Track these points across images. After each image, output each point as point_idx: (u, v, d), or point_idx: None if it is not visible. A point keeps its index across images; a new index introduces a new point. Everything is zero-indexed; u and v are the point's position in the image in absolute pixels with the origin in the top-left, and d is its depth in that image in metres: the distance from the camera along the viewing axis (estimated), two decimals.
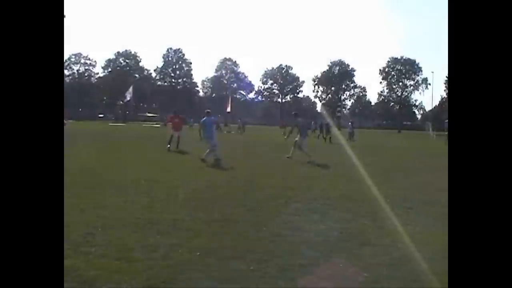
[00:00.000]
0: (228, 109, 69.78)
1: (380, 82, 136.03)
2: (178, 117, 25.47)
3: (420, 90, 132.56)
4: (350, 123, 51.96)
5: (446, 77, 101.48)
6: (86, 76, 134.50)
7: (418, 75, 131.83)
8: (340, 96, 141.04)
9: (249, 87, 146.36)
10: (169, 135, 24.06)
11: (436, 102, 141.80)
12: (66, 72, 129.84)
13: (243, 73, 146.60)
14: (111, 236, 6.60)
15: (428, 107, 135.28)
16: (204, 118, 18.96)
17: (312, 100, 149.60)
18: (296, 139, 20.40)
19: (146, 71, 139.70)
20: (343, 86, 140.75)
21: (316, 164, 18.38)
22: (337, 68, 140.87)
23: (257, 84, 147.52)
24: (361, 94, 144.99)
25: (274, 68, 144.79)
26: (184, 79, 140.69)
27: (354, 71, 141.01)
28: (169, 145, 23.25)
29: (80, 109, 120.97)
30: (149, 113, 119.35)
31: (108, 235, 6.65)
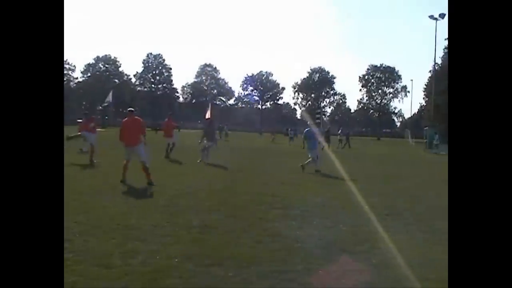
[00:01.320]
0: (208, 116, 69.51)
1: (360, 90, 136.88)
2: (171, 122, 25.20)
3: (399, 98, 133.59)
4: (340, 130, 52.04)
5: (425, 84, 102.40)
6: (65, 80, 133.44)
7: (397, 83, 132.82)
8: (320, 103, 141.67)
9: (230, 93, 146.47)
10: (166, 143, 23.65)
11: (415, 109, 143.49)
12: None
13: (223, 79, 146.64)
14: (89, 242, 6.57)
15: (407, 115, 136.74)
16: (307, 129, 19.02)
17: (292, 107, 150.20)
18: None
19: (126, 76, 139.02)
20: (323, 93, 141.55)
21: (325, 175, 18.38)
22: (317, 75, 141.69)
23: (237, 90, 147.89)
24: (340, 101, 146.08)
25: (255, 74, 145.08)
26: (164, 85, 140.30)
27: (334, 78, 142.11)
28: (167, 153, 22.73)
29: None
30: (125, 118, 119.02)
31: (86, 241, 6.61)
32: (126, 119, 13.79)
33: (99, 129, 27.02)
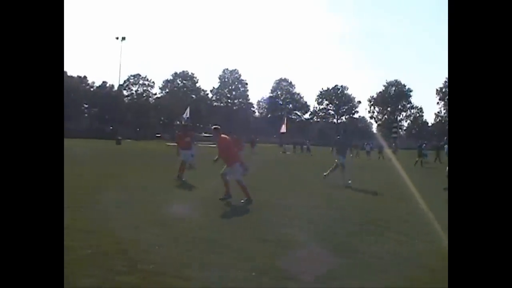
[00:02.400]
0: (283, 130, 69.69)
1: (437, 103, 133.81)
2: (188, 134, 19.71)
3: None
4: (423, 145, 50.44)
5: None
6: (144, 96, 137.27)
7: None
8: (396, 117, 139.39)
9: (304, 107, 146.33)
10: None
11: None
12: (125, 92, 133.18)
13: (298, 93, 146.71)
14: (167, 254, 6.69)
15: None
16: None
17: (368, 121, 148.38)
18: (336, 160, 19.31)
19: (203, 92, 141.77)
20: (400, 106, 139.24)
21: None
22: (393, 88, 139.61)
23: (312, 104, 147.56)
24: (417, 114, 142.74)
25: (330, 88, 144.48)
26: (240, 100, 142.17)
27: (410, 91, 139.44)
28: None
29: (138, 129, 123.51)
30: (205, 133, 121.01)
31: (164, 253, 6.74)
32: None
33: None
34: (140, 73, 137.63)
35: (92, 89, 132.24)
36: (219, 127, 13.16)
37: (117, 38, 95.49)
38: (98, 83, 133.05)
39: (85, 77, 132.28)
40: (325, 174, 18.94)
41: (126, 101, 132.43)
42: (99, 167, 23.58)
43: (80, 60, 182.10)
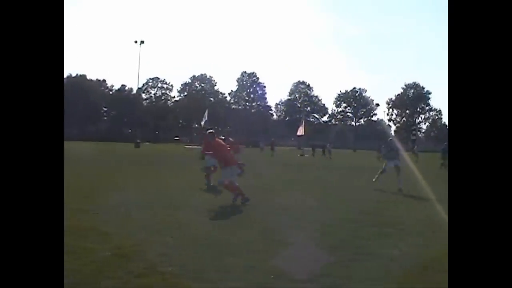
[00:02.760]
0: (301, 133, 69.43)
1: None
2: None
3: None
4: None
5: None
6: (163, 99, 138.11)
7: None
8: (415, 119, 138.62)
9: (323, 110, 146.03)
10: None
11: None
12: (144, 95, 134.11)
13: (316, 96, 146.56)
14: (185, 257, 6.71)
15: None
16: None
17: (387, 124, 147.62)
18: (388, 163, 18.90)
19: (221, 95, 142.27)
20: (418, 109, 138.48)
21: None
22: (412, 90, 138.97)
23: (330, 107, 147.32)
24: (436, 117, 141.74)
25: (348, 91, 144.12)
26: (258, 103, 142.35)
27: (429, 93, 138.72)
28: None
29: (157, 132, 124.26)
30: (223, 136, 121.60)
31: (182, 256, 6.76)
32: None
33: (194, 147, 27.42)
34: (159, 76, 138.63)
35: (111, 93, 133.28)
36: (213, 131, 13.90)
37: (136, 42, 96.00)
38: (117, 86, 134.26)
39: (104, 80, 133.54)
40: (373, 179, 18.67)
41: (145, 104, 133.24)
42: (118, 169, 23.74)
43: (100, 64, 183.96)
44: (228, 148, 13.69)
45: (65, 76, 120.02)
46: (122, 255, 6.53)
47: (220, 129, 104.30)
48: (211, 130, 13.99)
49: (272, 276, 5.90)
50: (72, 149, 33.07)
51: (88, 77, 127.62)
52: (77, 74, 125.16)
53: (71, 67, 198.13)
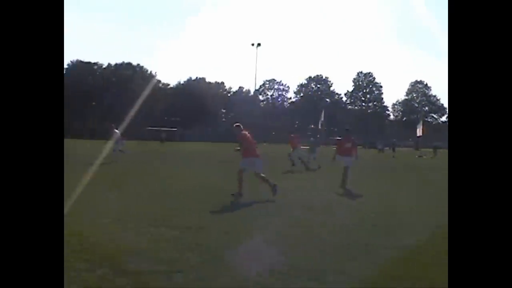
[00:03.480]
0: (420, 133, 67.44)
1: None
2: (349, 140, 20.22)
3: None
4: None
5: None
6: (279, 100, 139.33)
7: None
8: None
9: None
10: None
11: None
12: (260, 97, 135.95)
13: (434, 95, 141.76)
14: (301, 259, 6.66)
15: None
16: None
17: None
18: None
19: (337, 95, 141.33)
20: None
21: None
22: None
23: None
24: None
25: None
26: (375, 103, 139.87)
27: None
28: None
29: (274, 132, 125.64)
30: (339, 137, 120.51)
31: (299, 257, 6.71)
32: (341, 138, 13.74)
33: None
34: (275, 78, 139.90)
35: (229, 95, 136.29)
36: (240, 124, 14.57)
37: (253, 44, 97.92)
38: (234, 88, 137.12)
39: (222, 83, 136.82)
40: None
41: (262, 105, 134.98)
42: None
43: (218, 67, 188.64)
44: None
45: (185, 79, 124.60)
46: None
47: (336, 130, 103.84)
48: (237, 124, 14.75)
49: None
50: (208, 151, 33.58)
51: (207, 80, 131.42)
52: (196, 77, 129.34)
53: (191, 71, 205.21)
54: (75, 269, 5.71)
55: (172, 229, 8.23)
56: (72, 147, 38.54)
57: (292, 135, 28.13)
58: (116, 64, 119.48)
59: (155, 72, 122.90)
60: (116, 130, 27.85)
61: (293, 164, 25.23)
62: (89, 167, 18.66)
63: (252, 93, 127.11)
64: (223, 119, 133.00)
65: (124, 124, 31.74)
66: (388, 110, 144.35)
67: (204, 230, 8.35)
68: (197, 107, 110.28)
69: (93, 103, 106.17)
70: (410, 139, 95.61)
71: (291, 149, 26.31)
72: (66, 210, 7.76)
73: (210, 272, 5.86)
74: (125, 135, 30.64)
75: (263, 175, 13.56)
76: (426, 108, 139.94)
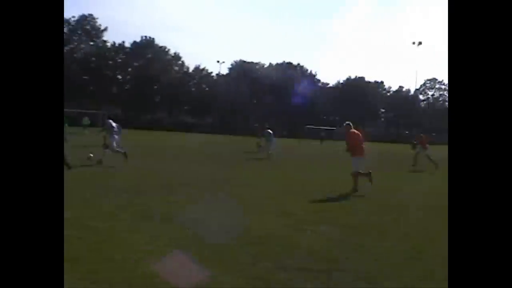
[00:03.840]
0: None
1: None
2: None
3: None
4: None
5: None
6: (440, 101, 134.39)
7: None
8: None
9: None
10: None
11: None
12: (421, 97, 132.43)
13: None
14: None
15: None
16: None
17: None
18: None
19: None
20: None
21: None
22: None
23: None
24: None
25: None
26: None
27: None
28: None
29: (434, 134, 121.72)
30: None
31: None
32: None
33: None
34: (437, 77, 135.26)
35: (388, 94, 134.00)
36: (350, 123, 15.12)
37: (414, 43, 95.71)
38: (394, 88, 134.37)
39: (382, 82, 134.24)
40: None
41: (422, 105, 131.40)
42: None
43: (378, 66, 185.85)
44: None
45: (344, 78, 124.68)
46: None
47: None
48: (348, 123, 15.21)
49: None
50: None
51: (366, 79, 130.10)
52: (356, 77, 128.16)
53: (350, 70, 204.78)
54: (239, 262, 6.10)
55: (334, 227, 8.47)
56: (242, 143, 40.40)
57: (421, 135, 28.47)
58: (276, 64, 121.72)
59: (315, 72, 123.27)
60: (269, 131, 29.68)
61: (413, 164, 25.66)
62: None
63: (412, 92, 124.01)
64: (382, 119, 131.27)
65: (285, 123, 33.08)
66: None
67: (365, 230, 8.47)
68: (356, 106, 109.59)
69: (254, 101, 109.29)
70: None
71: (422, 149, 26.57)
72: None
73: (372, 274, 5.92)
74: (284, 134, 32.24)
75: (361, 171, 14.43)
76: None
